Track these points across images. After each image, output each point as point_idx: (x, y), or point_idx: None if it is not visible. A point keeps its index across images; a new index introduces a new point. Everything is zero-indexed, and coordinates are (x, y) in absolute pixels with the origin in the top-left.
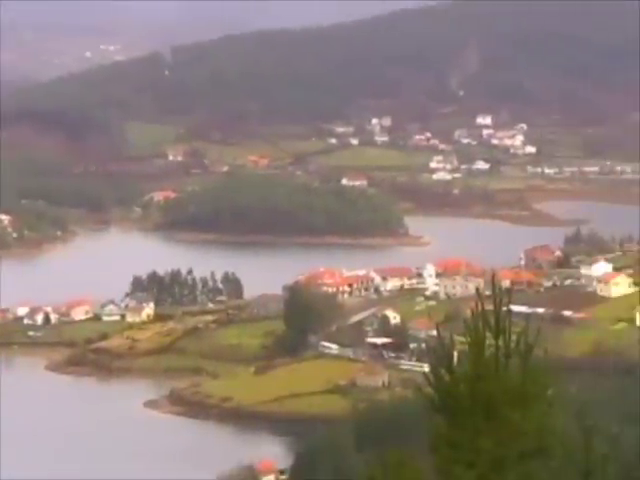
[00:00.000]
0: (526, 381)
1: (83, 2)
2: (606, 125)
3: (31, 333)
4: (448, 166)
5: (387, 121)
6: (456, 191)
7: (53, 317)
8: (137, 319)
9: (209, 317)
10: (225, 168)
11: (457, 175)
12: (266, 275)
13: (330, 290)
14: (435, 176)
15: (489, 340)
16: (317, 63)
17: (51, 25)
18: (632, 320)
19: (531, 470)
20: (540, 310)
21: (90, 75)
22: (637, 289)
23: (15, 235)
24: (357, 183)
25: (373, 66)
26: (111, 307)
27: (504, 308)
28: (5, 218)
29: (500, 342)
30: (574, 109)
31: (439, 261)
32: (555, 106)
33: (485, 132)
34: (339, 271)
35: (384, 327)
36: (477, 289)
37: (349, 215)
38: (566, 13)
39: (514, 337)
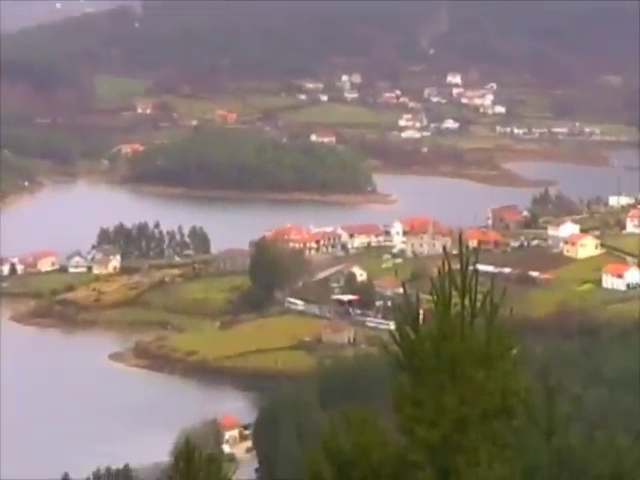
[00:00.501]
0: (491, 341)
1: None
2: (575, 87)
3: None
4: (417, 124)
5: (357, 78)
6: (425, 150)
7: (19, 268)
8: (103, 271)
9: (175, 271)
10: (194, 122)
11: (426, 134)
12: (233, 230)
13: (297, 246)
14: (404, 134)
15: (455, 299)
16: (288, 20)
17: None
18: (598, 281)
19: (494, 429)
20: (506, 270)
21: (59, 27)
22: (603, 251)
23: None
24: (326, 140)
25: (344, 24)
26: (77, 259)
27: (470, 268)
28: None
29: (466, 301)
30: (544, 70)
31: (406, 219)
32: (525, 67)
33: (455, 91)
34: (306, 228)
35: (350, 284)
36: (444, 248)
37: (317, 172)
38: None
39: (480, 297)
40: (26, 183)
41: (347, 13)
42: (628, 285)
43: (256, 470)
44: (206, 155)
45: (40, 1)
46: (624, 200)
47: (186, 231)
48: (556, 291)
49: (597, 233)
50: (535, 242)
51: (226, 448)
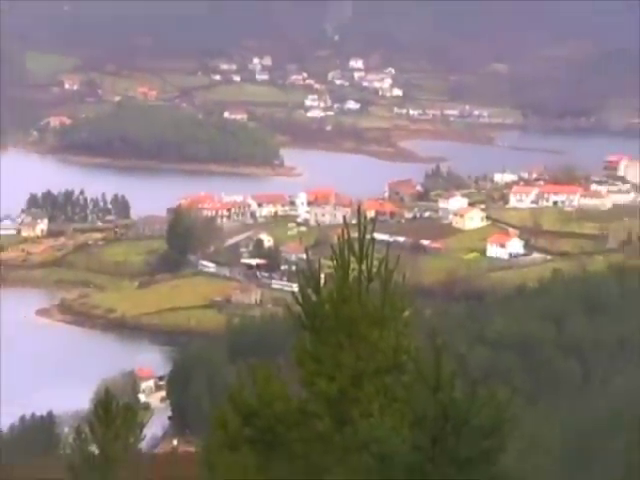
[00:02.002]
0: (385, 304)
1: None
2: (467, 73)
3: None
4: (322, 104)
5: (267, 61)
6: (328, 128)
7: None
8: (31, 234)
9: (98, 235)
10: (117, 98)
11: (330, 113)
12: (152, 198)
13: (210, 214)
14: (310, 113)
15: (353, 265)
16: (205, 4)
17: None
18: (483, 251)
19: (386, 384)
20: (401, 239)
21: None
22: (488, 222)
23: None
24: (238, 117)
25: (257, 9)
26: (7, 222)
27: (368, 236)
28: None
29: (363, 267)
30: (439, 57)
31: (311, 191)
32: (422, 54)
33: (356, 75)
34: (219, 197)
35: (258, 249)
36: (344, 218)
37: (230, 146)
38: None
39: (376, 263)
40: None
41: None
42: (510, 254)
43: (169, 418)
44: (128, 129)
45: None
46: (508, 177)
47: (109, 198)
48: (445, 259)
49: (483, 206)
50: (427, 214)
51: (142, 397)
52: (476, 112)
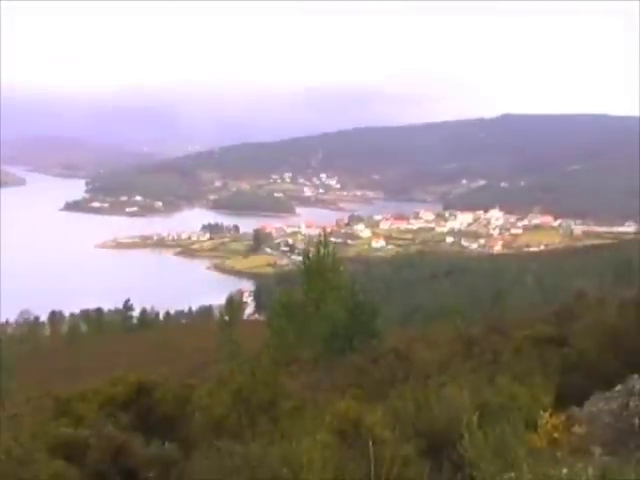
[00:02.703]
0: (334, 268)
1: None
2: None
3: None
4: (311, 191)
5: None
6: (313, 199)
7: None
8: (202, 238)
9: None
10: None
11: (312, 193)
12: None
13: (270, 231)
14: (305, 194)
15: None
16: None
17: None
18: (370, 244)
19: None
20: (339, 240)
21: None
22: (372, 234)
23: None
24: (281, 195)
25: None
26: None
27: (329, 238)
28: None
29: (323, 252)
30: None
31: (307, 222)
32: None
33: (324, 179)
34: (271, 225)
35: (288, 244)
36: (319, 234)
37: (272, 205)
38: None
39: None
40: None
41: None
42: (380, 246)
43: None
44: None
45: None
46: (378, 217)
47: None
48: (357, 247)
49: (367, 227)
50: (350, 231)
51: None
52: (370, 194)
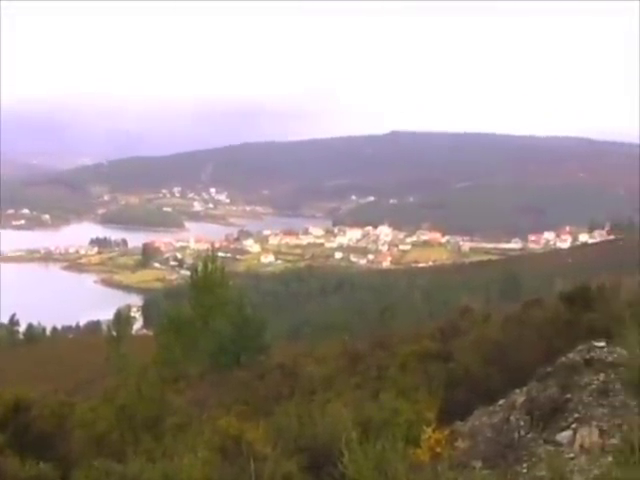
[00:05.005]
0: (222, 282)
1: None
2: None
3: None
4: (201, 205)
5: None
6: (202, 214)
7: None
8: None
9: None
10: None
11: (202, 208)
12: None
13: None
14: (195, 209)
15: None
16: None
17: None
18: (259, 259)
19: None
20: (229, 254)
21: None
22: (261, 250)
23: None
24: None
25: None
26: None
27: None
28: None
29: (211, 267)
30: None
31: (196, 238)
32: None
33: (213, 194)
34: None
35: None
36: (207, 248)
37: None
38: None
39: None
40: None
41: None
42: (270, 261)
43: None
44: None
45: None
46: (267, 232)
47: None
48: (247, 262)
49: (257, 242)
50: (240, 247)
51: None
52: (260, 209)
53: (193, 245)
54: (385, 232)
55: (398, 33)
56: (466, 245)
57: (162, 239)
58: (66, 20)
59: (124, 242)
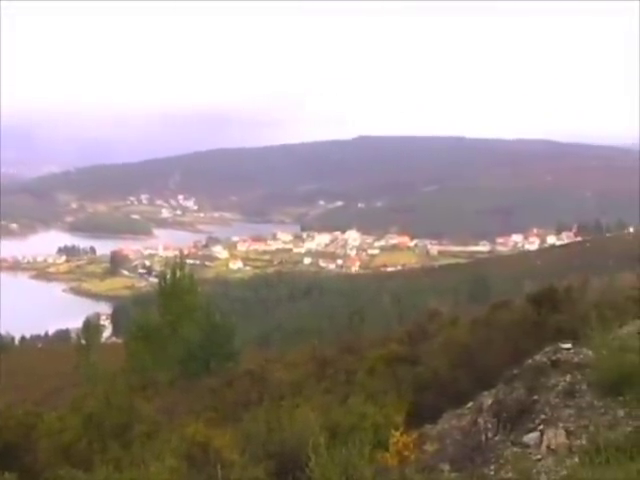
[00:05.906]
0: (191, 289)
1: None
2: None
3: None
4: (170, 213)
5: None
6: (170, 221)
7: None
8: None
9: None
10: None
11: (171, 215)
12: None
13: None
14: (163, 215)
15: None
16: None
17: None
18: (227, 265)
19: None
20: (197, 262)
21: None
22: (229, 256)
23: None
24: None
25: None
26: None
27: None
28: None
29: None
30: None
31: (164, 245)
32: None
33: (181, 201)
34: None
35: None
36: (175, 256)
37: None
38: None
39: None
40: None
41: None
42: (238, 267)
43: None
44: None
45: None
46: (236, 238)
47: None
48: (215, 268)
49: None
50: (208, 253)
51: None
52: (228, 215)
53: (161, 252)
54: (353, 237)
55: (362, 37)
56: (434, 248)
57: (130, 247)
58: (26, 27)
59: (92, 250)
